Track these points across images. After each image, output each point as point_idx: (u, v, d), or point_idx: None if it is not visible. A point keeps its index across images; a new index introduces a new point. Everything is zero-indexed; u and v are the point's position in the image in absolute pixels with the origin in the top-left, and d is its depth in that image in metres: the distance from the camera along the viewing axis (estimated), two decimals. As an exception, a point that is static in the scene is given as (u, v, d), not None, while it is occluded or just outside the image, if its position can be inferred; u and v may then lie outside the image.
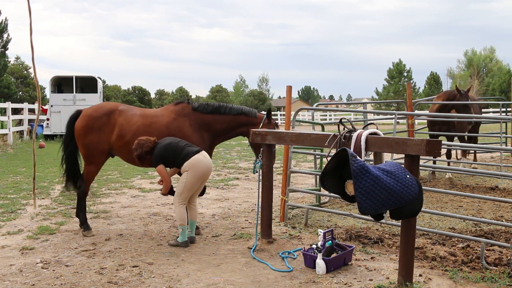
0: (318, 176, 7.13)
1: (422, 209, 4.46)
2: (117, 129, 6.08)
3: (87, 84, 23.96)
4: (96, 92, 23.13)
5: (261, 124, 6.08)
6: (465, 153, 11.68)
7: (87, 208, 6.65)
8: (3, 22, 32.95)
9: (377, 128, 4.62)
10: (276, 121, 6.29)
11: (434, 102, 10.48)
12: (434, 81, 63.82)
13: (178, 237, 5.74)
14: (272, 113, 6.25)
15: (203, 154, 5.65)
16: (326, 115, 45.49)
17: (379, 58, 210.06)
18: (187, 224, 5.73)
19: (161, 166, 5.63)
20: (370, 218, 5.26)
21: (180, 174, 5.79)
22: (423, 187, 4.59)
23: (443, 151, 9.78)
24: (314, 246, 4.97)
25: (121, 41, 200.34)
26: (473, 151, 12.17)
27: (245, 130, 6.14)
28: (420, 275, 4.63)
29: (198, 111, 6.10)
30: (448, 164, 10.66)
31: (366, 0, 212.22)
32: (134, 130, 6.01)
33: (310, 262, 4.91)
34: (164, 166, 5.67)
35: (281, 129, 6.30)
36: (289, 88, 7.11)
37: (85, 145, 6.16)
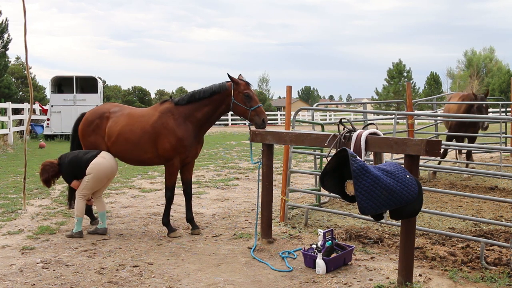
0: (318, 176, 7.14)
1: (422, 209, 4.47)
2: (107, 130, 6.35)
3: (87, 84, 23.98)
4: (96, 92, 23.14)
5: (232, 91, 5.96)
6: (461, 153, 11.72)
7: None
8: (3, 22, 32.87)
9: (377, 128, 4.63)
10: (249, 82, 6.05)
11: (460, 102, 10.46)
12: (434, 81, 63.73)
13: (74, 228, 6.07)
14: (240, 78, 6.10)
15: (102, 155, 6.04)
16: (326, 115, 45.53)
17: (379, 58, 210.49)
18: (83, 216, 6.07)
19: (75, 181, 6.03)
20: (370, 218, 5.27)
21: None
22: (423, 187, 4.60)
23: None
24: (314, 246, 4.97)
25: (120, 41, 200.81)
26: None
27: (225, 107, 6.07)
28: (420, 275, 4.63)
29: (179, 104, 6.16)
30: (466, 166, 10.64)
31: (362, 0, 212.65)
32: (118, 130, 6.25)
33: (310, 262, 4.92)
34: (77, 179, 6.02)
35: (281, 128, 6.29)
36: (289, 88, 7.11)
37: (87, 146, 6.50)
